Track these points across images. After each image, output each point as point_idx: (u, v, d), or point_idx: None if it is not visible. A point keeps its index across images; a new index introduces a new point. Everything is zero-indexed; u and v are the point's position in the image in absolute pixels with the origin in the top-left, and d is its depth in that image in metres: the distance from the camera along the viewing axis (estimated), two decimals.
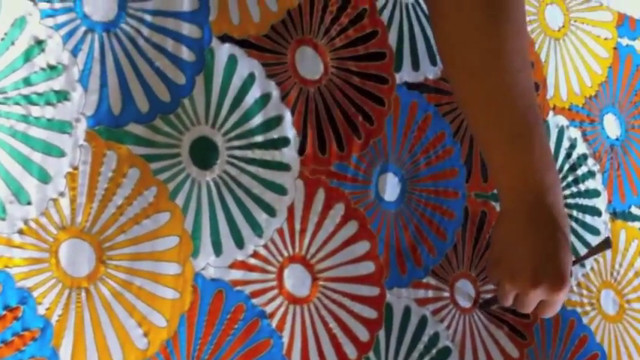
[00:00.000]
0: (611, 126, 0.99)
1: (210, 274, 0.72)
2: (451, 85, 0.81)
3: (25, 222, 0.65)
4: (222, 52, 0.76)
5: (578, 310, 0.91)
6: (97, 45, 0.70)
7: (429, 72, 0.87)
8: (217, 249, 0.73)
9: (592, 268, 0.93)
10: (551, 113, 0.94)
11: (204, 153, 0.74)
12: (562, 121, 0.95)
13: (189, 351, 0.70)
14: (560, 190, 0.78)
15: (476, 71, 0.74)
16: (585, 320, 0.91)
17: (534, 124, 0.75)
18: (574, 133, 0.95)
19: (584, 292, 0.92)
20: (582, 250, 0.91)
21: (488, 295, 0.86)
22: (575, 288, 0.91)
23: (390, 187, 0.83)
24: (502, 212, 0.78)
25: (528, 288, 0.74)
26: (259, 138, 0.77)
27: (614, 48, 1.01)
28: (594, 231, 0.94)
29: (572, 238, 0.92)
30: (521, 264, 0.74)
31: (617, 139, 0.99)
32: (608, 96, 0.99)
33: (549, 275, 0.73)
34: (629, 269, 0.95)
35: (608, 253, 0.94)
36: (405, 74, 0.86)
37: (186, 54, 0.74)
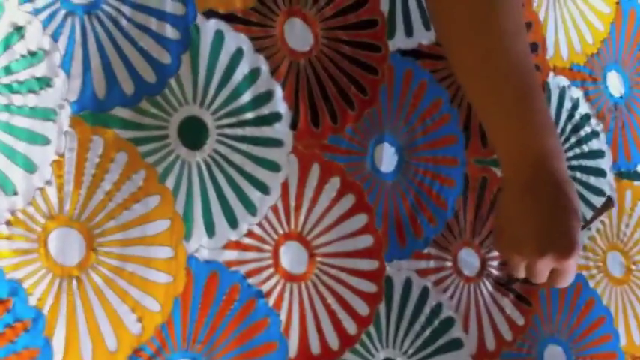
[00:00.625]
0: (615, 84, 0.96)
1: (203, 255, 0.71)
2: (445, 52, 0.79)
3: (13, 213, 0.64)
4: (208, 28, 0.74)
5: (584, 273, 0.89)
6: (78, 28, 0.68)
7: (423, 38, 0.85)
8: (210, 230, 0.72)
9: (598, 230, 0.91)
10: (551, 74, 0.92)
11: (193, 133, 0.72)
12: (563, 81, 0.92)
13: (184, 334, 0.70)
14: (563, 155, 0.76)
15: (467, 37, 0.72)
16: (591, 284, 0.90)
17: (532, 89, 0.73)
18: (576, 93, 0.93)
19: (590, 255, 0.90)
20: (588, 213, 0.90)
21: (493, 263, 0.85)
22: (581, 252, 0.89)
23: (387, 158, 0.81)
24: (504, 181, 0.77)
25: (535, 257, 0.73)
26: (250, 115, 0.75)
27: (616, 3, 0.98)
28: (599, 192, 0.92)
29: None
30: (526, 233, 0.73)
31: (620, 97, 0.96)
32: (611, 53, 0.96)
33: (556, 243, 0.72)
34: (636, 230, 0.94)
35: (614, 214, 0.93)
36: (399, 41, 0.84)
37: (170, 32, 0.72)
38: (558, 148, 0.74)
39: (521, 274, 0.78)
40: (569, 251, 0.71)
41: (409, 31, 0.84)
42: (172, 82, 0.72)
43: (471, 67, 0.74)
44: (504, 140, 0.74)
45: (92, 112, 0.68)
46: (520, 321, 0.85)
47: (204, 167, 0.73)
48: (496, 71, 0.72)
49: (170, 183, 0.71)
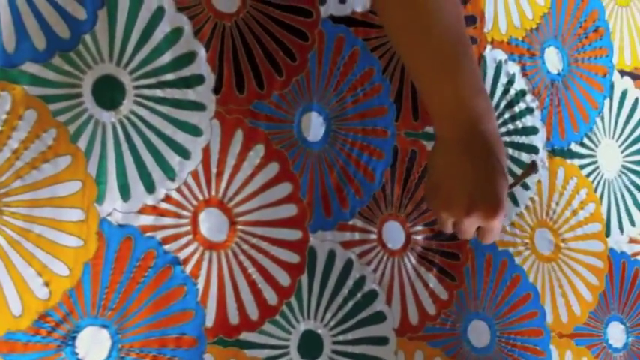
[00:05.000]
0: (553, 60, 0.95)
1: (117, 219, 0.69)
2: (379, 15, 0.78)
3: None
4: None
5: (511, 250, 0.89)
6: None
7: (357, 4, 0.83)
8: (125, 194, 0.70)
9: (527, 208, 0.91)
10: (488, 47, 0.91)
11: (108, 92, 0.70)
12: (500, 55, 0.91)
13: (94, 300, 0.67)
14: (494, 116, 0.76)
15: None
16: (518, 260, 0.89)
17: (462, 50, 0.73)
18: (512, 67, 0.92)
19: (518, 231, 0.90)
20: (520, 192, 0.89)
21: (419, 237, 0.84)
22: (508, 228, 0.89)
23: (314, 127, 0.80)
24: (436, 141, 0.76)
25: (462, 216, 0.73)
26: (170, 76, 0.73)
27: None
28: None
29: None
30: (456, 193, 0.73)
31: (558, 74, 0.95)
32: (551, 28, 0.95)
33: (483, 202, 0.72)
34: (567, 208, 0.93)
35: (545, 191, 0.92)
36: (331, 7, 0.81)
37: None
38: (490, 108, 0.74)
39: (449, 230, 0.78)
40: (494, 211, 0.72)
41: None
42: (87, 38, 0.69)
43: (404, 28, 0.73)
44: (437, 100, 0.73)
45: (0, 66, 0.65)
46: (444, 295, 0.84)
47: (119, 128, 0.70)
48: (429, 31, 0.71)
49: (82, 143, 0.68)
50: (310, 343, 0.77)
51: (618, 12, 1.01)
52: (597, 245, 0.95)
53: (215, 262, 0.73)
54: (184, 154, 0.73)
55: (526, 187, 0.91)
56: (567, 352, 0.89)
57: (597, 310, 0.93)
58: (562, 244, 0.92)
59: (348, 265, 0.80)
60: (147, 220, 0.70)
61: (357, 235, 0.81)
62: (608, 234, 0.96)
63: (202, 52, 0.74)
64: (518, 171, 0.90)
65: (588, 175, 0.95)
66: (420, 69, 0.74)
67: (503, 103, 0.91)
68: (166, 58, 0.72)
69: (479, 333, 0.85)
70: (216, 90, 0.74)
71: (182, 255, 0.72)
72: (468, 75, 0.73)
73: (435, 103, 0.74)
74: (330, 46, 0.81)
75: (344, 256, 0.80)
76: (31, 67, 0.66)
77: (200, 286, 0.72)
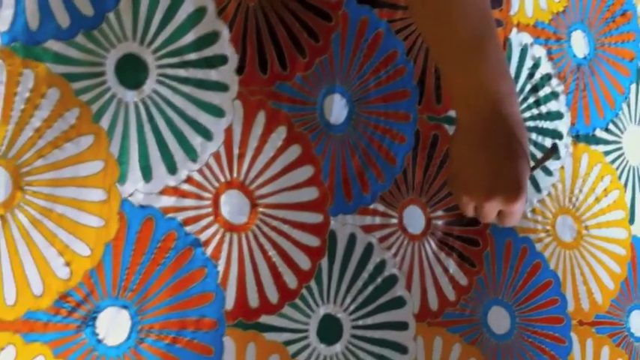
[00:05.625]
0: (579, 44, 0.93)
1: (138, 200, 0.69)
2: None
3: None
4: None
5: (532, 236, 0.88)
6: None
7: None
8: (147, 174, 0.69)
9: (549, 194, 0.90)
10: (514, 30, 0.89)
11: (131, 72, 0.69)
12: (526, 38, 0.90)
13: (115, 281, 0.67)
14: (517, 100, 0.75)
15: None
16: (539, 247, 0.88)
17: (487, 33, 0.71)
18: (538, 51, 0.90)
19: (539, 218, 0.89)
20: (542, 178, 0.88)
21: (439, 222, 0.83)
22: (529, 214, 0.88)
23: (337, 110, 0.79)
24: (458, 125, 0.75)
25: (483, 200, 0.73)
26: (193, 55, 0.72)
27: None
28: (554, 155, 0.90)
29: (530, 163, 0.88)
30: (477, 177, 0.73)
31: (584, 58, 0.94)
32: (578, 12, 0.94)
33: (504, 186, 0.72)
34: (590, 194, 0.92)
35: (568, 178, 0.91)
36: None
37: None
38: (513, 90, 0.73)
39: (470, 214, 0.77)
40: (515, 195, 0.71)
41: None
42: (111, 16, 0.68)
43: (429, 10, 0.71)
44: (460, 82, 0.72)
45: (24, 44, 0.64)
46: (463, 281, 0.83)
47: (142, 108, 0.69)
48: (455, 14, 0.70)
49: (105, 123, 0.67)
50: (329, 327, 0.76)
51: None
52: (620, 233, 0.93)
53: (236, 244, 0.73)
54: (206, 134, 0.72)
55: (549, 173, 0.90)
56: (588, 341, 0.89)
57: (619, 299, 0.92)
58: (584, 232, 0.91)
59: (369, 250, 0.79)
60: (168, 201, 0.70)
61: (377, 220, 0.80)
62: (632, 221, 0.94)
63: (225, 32, 0.73)
64: (540, 155, 0.89)
65: (613, 162, 0.94)
66: (443, 52, 0.73)
67: (527, 88, 0.89)
68: (190, 37, 0.71)
69: (499, 319, 0.85)
70: (239, 71, 0.74)
71: (203, 237, 0.71)
72: (493, 59, 0.72)
73: (457, 86, 0.73)
74: (353, 27, 0.80)
75: (364, 240, 0.79)
76: (54, 45, 0.66)
77: (220, 268, 0.72)
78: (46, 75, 0.65)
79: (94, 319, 0.66)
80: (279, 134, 0.75)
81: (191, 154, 0.71)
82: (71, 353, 0.65)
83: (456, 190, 0.77)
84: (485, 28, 0.71)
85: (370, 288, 0.79)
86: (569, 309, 0.88)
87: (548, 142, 0.90)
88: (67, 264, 0.65)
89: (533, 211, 0.88)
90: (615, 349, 0.90)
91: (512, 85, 0.74)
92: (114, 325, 0.67)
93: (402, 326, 0.79)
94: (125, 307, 0.67)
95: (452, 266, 0.83)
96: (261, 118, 0.75)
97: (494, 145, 0.72)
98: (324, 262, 0.77)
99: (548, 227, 0.89)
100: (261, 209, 0.74)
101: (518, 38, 0.89)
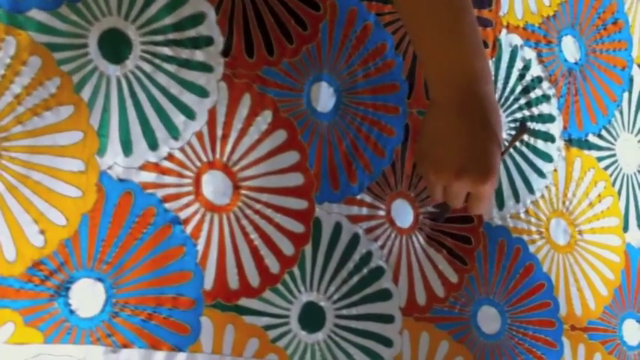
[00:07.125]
0: (570, 49, 0.93)
1: (117, 173, 0.68)
2: None
3: None
4: None
5: (525, 238, 0.86)
6: None
7: None
8: (127, 148, 0.69)
9: (542, 196, 0.88)
10: (504, 31, 0.89)
11: (114, 46, 0.69)
12: (516, 40, 0.90)
13: (90, 252, 0.66)
14: (492, 79, 0.74)
15: None
16: (532, 249, 0.86)
17: (463, 12, 0.71)
18: (529, 53, 0.90)
19: (533, 219, 0.87)
20: (519, 183, 0.87)
21: (427, 219, 0.82)
22: (522, 215, 0.86)
23: (324, 98, 0.78)
24: (431, 103, 0.74)
25: (452, 179, 0.72)
26: (178, 35, 0.72)
27: None
28: (546, 157, 0.89)
29: (523, 164, 0.88)
30: (447, 156, 0.72)
31: (575, 63, 0.93)
32: (568, 17, 0.94)
33: (474, 167, 0.71)
34: (584, 199, 0.91)
35: (561, 181, 0.90)
36: None
37: None
38: (487, 70, 0.72)
39: (438, 196, 0.76)
40: (485, 175, 0.70)
41: None
42: None
43: None
44: (435, 60, 0.71)
45: (7, 11, 0.65)
46: (453, 278, 0.81)
47: (124, 83, 0.69)
48: None
49: (86, 94, 0.67)
50: (312, 314, 0.74)
51: (638, 6, 0.99)
52: (614, 240, 0.92)
53: (216, 224, 0.72)
54: (189, 113, 0.72)
55: (542, 175, 0.89)
56: (580, 346, 0.86)
57: (613, 306, 0.89)
58: (578, 236, 0.89)
59: (355, 240, 0.78)
60: (148, 176, 0.69)
61: (364, 210, 0.79)
62: (626, 229, 0.93)
63: (212, 14, 0.73)
64: (532, 157, 0.88)
65: (606, 168, 0.93)
66: (420, 32, 0.72)
67: (518, 89, 0.89)
68: (175, 16, 0.72)
69: (489, 319, 0.82)
70: (225, 53, 0.74)
71: (183, 215, 0.70)
72: (468, 37, 0.71)
73: (432, 64, 0.73)
74: (342, 18, 0.80)
75: (350, 230, 0.77)
76: (37, 15, 0.66)
77: (200, 247, 0.70)
78: (29, 43, 0.65)
79: (68, 289, 0.65)
80: (265, 118, 0.75)
81: (173, 131, 0.71)
82: (42, 322, 0.63)
83: (424, 169, 0.75)
84: (459, 9, 0.71)
85: (355, 278, 0.77)
86: (561, 313, 0.86)
87: (539, 144, 0.89)
88: (42, 232, 0.64)
89: (527, 212, 0.87)
90: (608, 356, 0.87)
91: (487, 64, 0.74)
92: (88, 296, 0.65)
93: (387, 319, 0.77)
94: (100, 279, 0.66)
95: (441, 262, 0.81)
96: (246, 101, 0.74)
97: (465, 124, 0.71)
98: (308, 249, 0.75)
99: (542, 229, 0.87)
100: (243, 191, 0.73)
101: (508, 39, 0.89)
